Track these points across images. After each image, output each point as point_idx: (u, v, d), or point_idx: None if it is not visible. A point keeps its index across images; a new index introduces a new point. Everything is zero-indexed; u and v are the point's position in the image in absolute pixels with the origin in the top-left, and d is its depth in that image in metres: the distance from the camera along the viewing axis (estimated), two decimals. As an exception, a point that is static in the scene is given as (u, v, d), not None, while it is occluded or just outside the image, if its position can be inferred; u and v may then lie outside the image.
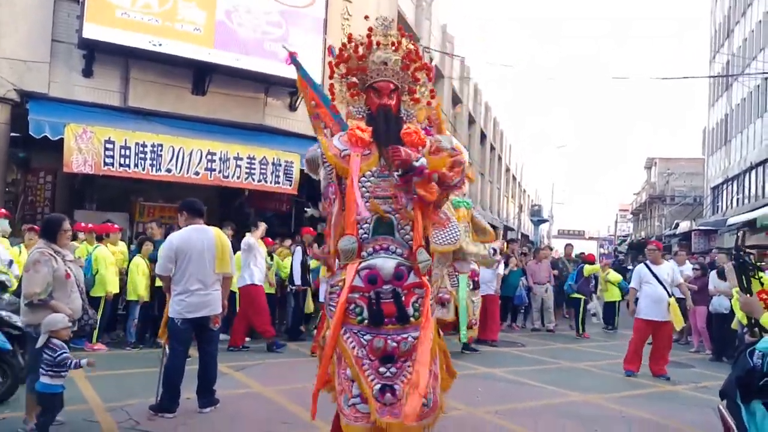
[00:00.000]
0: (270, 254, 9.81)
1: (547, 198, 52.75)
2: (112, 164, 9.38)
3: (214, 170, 10.27)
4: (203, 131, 10.71)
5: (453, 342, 9.46)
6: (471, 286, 8.88)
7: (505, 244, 14.13)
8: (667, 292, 7.99)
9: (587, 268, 12.38)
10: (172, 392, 5.17)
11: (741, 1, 30.98)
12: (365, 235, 3.75)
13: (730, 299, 9.25)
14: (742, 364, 2.89)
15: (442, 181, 3.69)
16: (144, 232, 10.07)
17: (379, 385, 3.54)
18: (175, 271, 5.30)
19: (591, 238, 66.84)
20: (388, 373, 3.58)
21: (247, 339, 8.94)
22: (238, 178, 10.54)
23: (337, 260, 3.92)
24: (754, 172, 26.78)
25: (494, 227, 9.99)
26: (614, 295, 12.84)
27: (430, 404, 3.60)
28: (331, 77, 4.13)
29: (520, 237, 33.31)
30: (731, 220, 24.18)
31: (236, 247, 8.12)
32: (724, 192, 32.34)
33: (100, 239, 8.71)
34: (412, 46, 4.01)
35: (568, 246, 15.66)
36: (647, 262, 8.46)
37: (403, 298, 3.67)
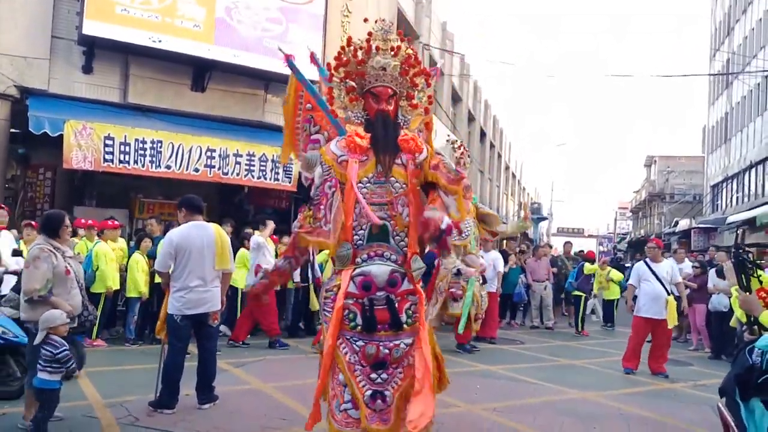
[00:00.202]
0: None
1: (547, 196, 52.78)
2: (112, 161, 9.38)
3: (214, 167, 10.27)
4: (203, 128, 10.70)
5: (450, 339, 9.51)
6: (480, 281, 8.99)
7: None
8: (666, 290, 8.00)
9: (587, 267, 12.39)
10: (171, 388, 5.17)
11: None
12: (360, 242, 3.77)
13: (729, 297, 9.27)
14: (741, 361, 2.90)
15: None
16: (143, 228, 10.06)
17: (370, 392, 3.57)
18: (174, 267, 5.31)
19: (590, 236, 66.84)
20: (379, 380, 3.61)
21: (248, 336, 8.96)
22: (238, 174, 10.54)
23: (332, 264, 3.97)
24: (753, 170, 26.78)
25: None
26: (614, 293, 12.86)
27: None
28: (329, 80, 4.13)
29: (519, 235, 33.29)
30: (731, 219, 24.19)
31: (235, 245, 8.13)
32: (724, 190, 32.34)
33: (102, 235, 8.71)
34: (411, 51, 4.01)
35: (567, 244, 15.67)
36: (647, 259, 8.46)
37: (397, 305, 3.69)
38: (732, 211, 27.66)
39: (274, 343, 8.59)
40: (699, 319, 10.63)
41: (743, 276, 3.44)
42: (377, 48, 3.93)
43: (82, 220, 9.00)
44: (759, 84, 26.66)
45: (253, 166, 10.60)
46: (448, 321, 9.03)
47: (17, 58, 9.50)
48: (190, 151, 10.03)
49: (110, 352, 7.80)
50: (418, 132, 4.12)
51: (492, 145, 30.35)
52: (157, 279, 6.81)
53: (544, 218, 48.35)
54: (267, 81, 11.61)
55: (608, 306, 13.35)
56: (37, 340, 4.32)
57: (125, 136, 9.49)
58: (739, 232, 22.57)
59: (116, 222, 9.12)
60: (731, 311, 9.06)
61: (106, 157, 9.30)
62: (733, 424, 2.93)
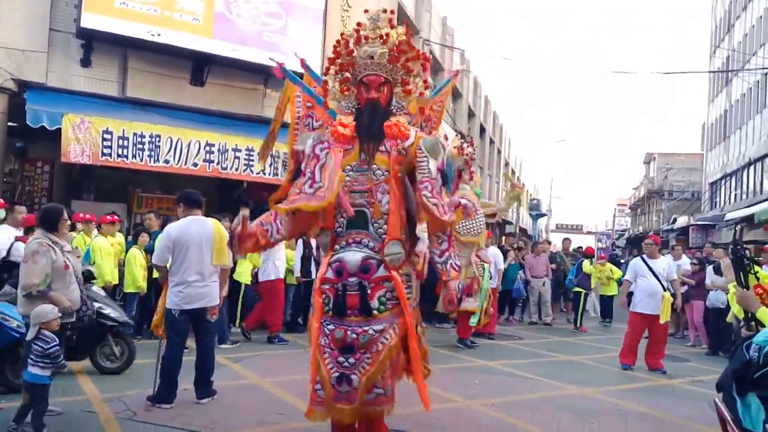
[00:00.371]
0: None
1: (546, 192, 52.75)
2: (110, 155, 9.36)
3: (213, 162, 10.26)
4: (202, 122, 10.68)
5: (451, 335, 9.52)
6: (490, 276, 9.16)
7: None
8: (663, 287, 8.01)
9: (585, 267, 12.37)
10: (169, 383, 5.17)
11: (742, -4, 30.91)
12: (340, 229, 3.92)
13: (727, 294, 9.28)
14: (738, 357, 2.91)
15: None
16: (142, 223, 10.05)
17: (337, 374, 3.70)
18: (172, 261, 5.30)
19: (589, 233, 66.84)
20: (346, 363, 3.71)
21: (238, 330, 9.01)
22: (237, 169, 10.52)
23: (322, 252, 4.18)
24: (752, 167, 26.78)
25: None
26: (612, 288, 12.86)
27: (388, 393, 3.75)
28: (325, 74, 4.23)
29: (518, 231, 33.33)
30: (729, 216, 24.23)
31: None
32: (723, 187, 32.37)
33: (100, 230, 8.69)
34: (402, 37, 4.03)
35: (566, 240, 15.68)
36: (644, 255, 8.46)
37: (369, 291, 3.76)
38: (730, 208, 27.69)
39: (272, 339, 8.59)
40: (697, 315, 10.65)
41: (741, 273, 3.45)
42: (366, 37, 4.00)
43: (80, 215, 8.98)
44: (758, 81, 26.65)
45: (252, 160, 10.58)
46: (453, 317, 9.08)
47: (15, 51, 9.47)
48: (189, 145, 10.01)
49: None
50: (410, 116, 4.13)
51: (492, 141, 30.35)
52: (155, 274, 6.80)
53: (543, 215, 48.33)
54: (266, 75, 11.55)
55: (606, 302, 13.36)
56: (29, 335, 4.29)
57: (123, 130, 9.47)
58: (738, 229, 22.60)
59: (116, 217, 9.09)
60: (728, 308, 9.04)
61: (105, 151, 9.29)
62: (729, 419, 2.94)
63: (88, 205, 10.53)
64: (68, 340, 5.74)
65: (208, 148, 10.19)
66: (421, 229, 4.15)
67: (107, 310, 6.06)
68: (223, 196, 12.86)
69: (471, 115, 25.41)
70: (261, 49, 10.87)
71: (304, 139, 4.18)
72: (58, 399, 5.03)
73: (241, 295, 8.84)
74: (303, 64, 4.73)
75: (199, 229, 5.36)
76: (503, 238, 14.51)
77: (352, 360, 3.71)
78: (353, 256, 3.81)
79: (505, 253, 12.36)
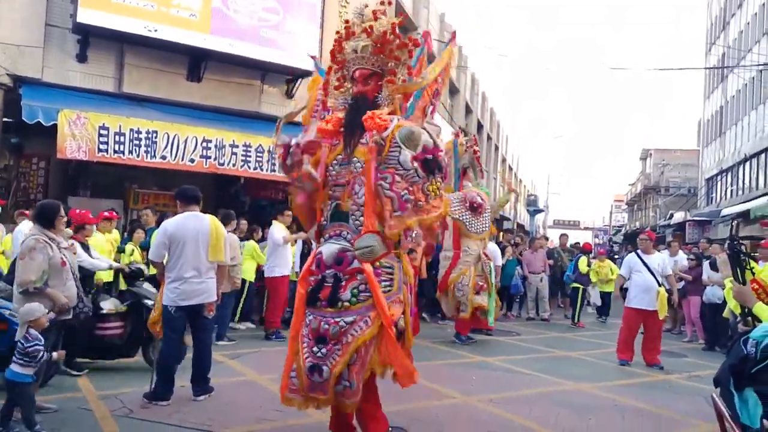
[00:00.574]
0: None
1: (543, 188, 52.81)
2: (106, 151, 9.33)
3: (210, 158, 10.22)
4: (198, 118, 10.64)
5: (448, 330, 9.53)
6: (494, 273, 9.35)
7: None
8: (658, 282, 8.03)
9: (581, 267, 12.33)
10: (166, 380, 5.16)
11: (738, -7, 30.94)
12: (324, 222, 4.08)
13: (723, 289, 9.30)
14: (736, 352, 2.91)
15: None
16: (138, 219, 10.02)
17: (310, 364, 3.80)
18: (168, 257, 5.27)
19: (586, 229, 66.96)
20: (319, 354, 3.80)
21: (253, 326, 9.12)
22: (234, 165, 10.50)
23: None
24: (748, 163, 26.86)
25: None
26: (611, 286, 12.85)
27: (353, 387, 3.79)
28: (327, 74, 4.33)
29: (515, 227, 33.35)
30: (725, 211, 24.30)
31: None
32: (719, 183, 32.45)
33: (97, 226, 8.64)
34: (386, 27, 4.05)
35: (564, 236, 15.70)
36: (638, 251, 8.48)
37: (343, 283, 3.84)
38: (726, 204, 27.77)
39: (270, 335, 8.59)
40: (693, 310, 10.68)
41: (738, 268, 3.45)
42: (354, 33, 4.10)
43: (77, 211, 8.93)
44: (754, 78, 26.69)
45: (250, 157, 10.56)
46: (453, 315, 9.11)
47: (10, 46, 9.41)
48: (186, 141, 9.98)
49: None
50: (391, 103, 4.13)
51: (489, 137, 30.34)
52: (152, 270, 6.78)
53: (541, 210, 48.40)
54: (263, 71, 11.55)
55: (604, 298, 13.34)
56: (18, 335, 4.21)
57: (120, 126, 9.43)
58: (734, 224, 22.68)
59: (115, 213, 9.04)
60: (725, 303, 9.09)
61: (101, 147, 9.25)
62: (727, 414, 2.95)
63: (85, 202, 10.48)
64: (119, 337, 6.05)
65: (205, 144, 10.17)
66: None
67: None
68: (220, 192, 12.84)
69: (468, 111, 25.39)
70: (258, 45, 10.86)
71: (282, 138, 4.39)
72: (53, 396, 5.03)
73: (245, 293, 8.86)
74: (314, 62, 4.97)
75: (195, 225, 5.32)
76: (500, 234, 14.53)
77: (324, 350, 3.79)
78: (329, 249, 3.93)
79: (502, 249, 12.37)
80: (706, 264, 10.35)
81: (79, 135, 9.04)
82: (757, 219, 19.04)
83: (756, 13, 27.21)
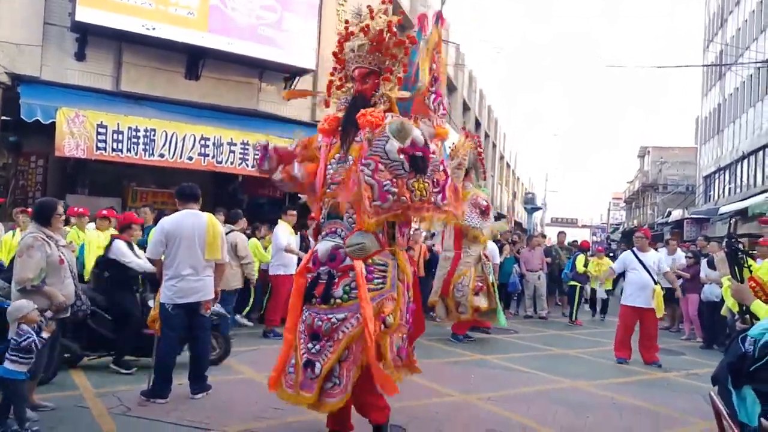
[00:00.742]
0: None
1: (541, 186, 52.86)
2: (105, 149, 9.32)
3: (208, 155, 10.23)
4: (197, 116, 10.64)
5: (446, 329, 9.52)
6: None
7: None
8: (653, 280, 8.04)
9: (579, 267, 12.32)
10: (163, 378, 5.16)
11: (735, -9, 30.95)
12: (322, 220, 4.14)
13: (721, 287, 9.31)
14: (734, 349, 2.91)
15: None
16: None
17: (305, 359, 3.85)
18: (165, 255, 5.27)
19: (584, 226, 66.97)
20: (313, 350, 3.84)
21: (251, 324, 9.09)
22: (232, 163, 10.50)
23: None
24: (746, 161, 26.89)
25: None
26: (607, 283, 12.87)
27: (342, 384, 3.80)
28: (331, 74, 4.39)
29: (513, 224, 33.38)
30: (723, 209, 24.33)
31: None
32: (716, 181, 32.49)
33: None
34: (382, 26, 4.08)
35: (561, 234, 15.69)
36: (634, 249, 8.49)
37: (337, 279, 3.88)
38: (724, 202, 27.81)
39: (268, 333, 8.59)
40: (692, 308, 10.69)
41: (735, 266, 3.45)
42: (352, 33, 4.14)
43: (75, 209, 8.92)
44: (751, 75, 26.72)
45: (248, 154, 10.55)
46: (453, 318, 9.08)
47: (9, 44, 9.40)
48: (184, 139, 9.98)
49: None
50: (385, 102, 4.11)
51: (487, 135, 30.34)
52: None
53: (538, 208, 48.46)
54: (261, 69, 11.54)
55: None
56: (10, 334, 4.19)
57: (118, 124, 9.43)
58: (732, 222, 22.70)
59: (114, 212, 9.02)
60: (723, 301, 9.09)
61: (99, 145, 9.25)
62: (725, 412, 2.95)
63: (83, 199, 10.47)
64: None
65: (203, 142, 10.17)
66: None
67: None
68: (218, 190, 12.83)
69: (466, 108, 25.39)
70: (256, 43, 10.85)
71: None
72: (50, 394, 5.04)
73: (252, 290, 8.89)
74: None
75: (192, 223, 5.31)
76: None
77: (318, 347, 3.83)
78: (324, 246, 4.00)
79: (500, 247, 12.36)
80: (704, 262, 10.36)
81: (77, 133, 9.04)
82: (755, 216, 19.04)
83: (754, 10, 27.23)
